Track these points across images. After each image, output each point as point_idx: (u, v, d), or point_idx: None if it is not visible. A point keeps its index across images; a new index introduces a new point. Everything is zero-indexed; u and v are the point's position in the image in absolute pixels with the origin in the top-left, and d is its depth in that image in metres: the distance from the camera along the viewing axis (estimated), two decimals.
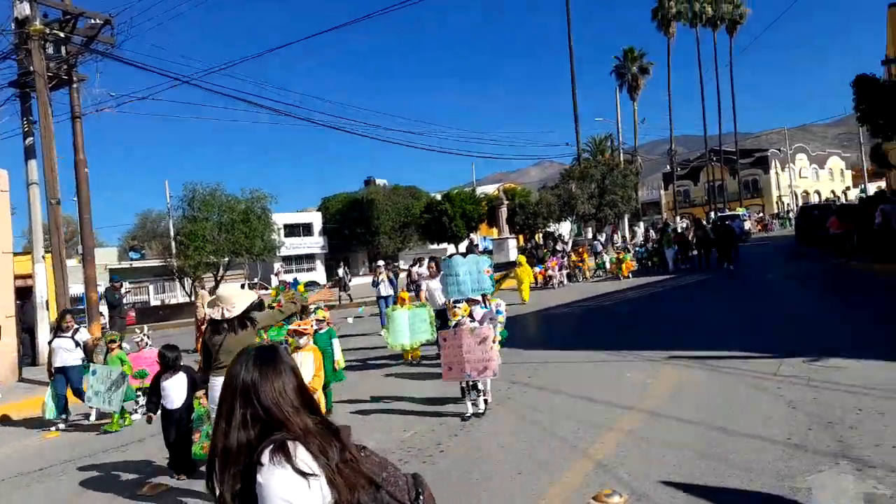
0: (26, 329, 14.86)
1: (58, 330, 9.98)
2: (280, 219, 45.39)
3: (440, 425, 7.58)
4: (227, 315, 5.42)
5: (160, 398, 6.80)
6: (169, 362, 6.92)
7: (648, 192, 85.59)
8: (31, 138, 14.29)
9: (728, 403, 7.18)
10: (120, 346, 9.59)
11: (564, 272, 24.98)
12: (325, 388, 8.14)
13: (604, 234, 33.56)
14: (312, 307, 8.76)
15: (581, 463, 5.89)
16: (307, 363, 6.81)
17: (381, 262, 16.89)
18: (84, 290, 14.88)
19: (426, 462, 6.35)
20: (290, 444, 1.82)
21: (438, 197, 46.93)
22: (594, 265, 27.69)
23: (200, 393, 6.62)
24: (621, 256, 25.50)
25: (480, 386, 7.78)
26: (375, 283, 15.84)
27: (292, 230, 52.71)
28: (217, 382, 5.46)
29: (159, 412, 6.82)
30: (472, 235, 41.26)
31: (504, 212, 36.64)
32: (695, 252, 26.51)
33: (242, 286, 11.12)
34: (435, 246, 49.63)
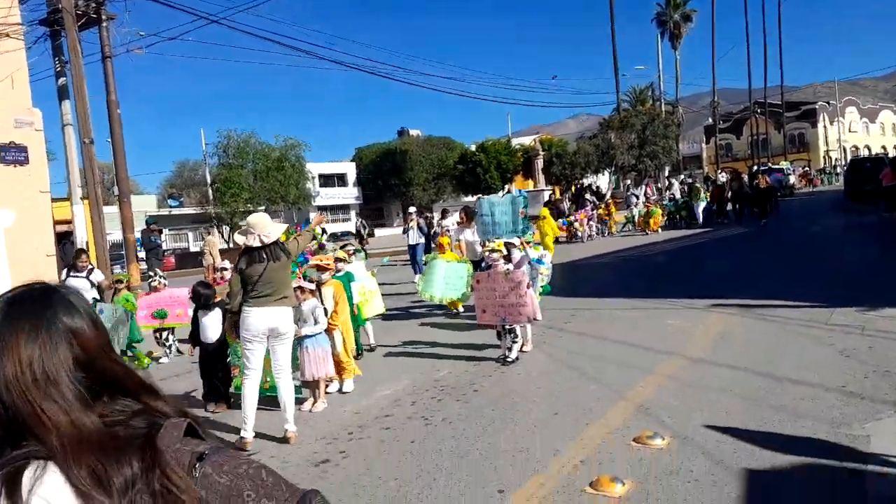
0: (66, 267, 15.12)
1: (72, 269, 9.87)
2: (315, 168, 45.43)
3: (474, 367, 7.43)
4: (264, 241, 5.33)
5: (199, 333, 6.86)
6: (202, 300, 6.94)
7: (690, 146, 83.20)
8: (64, 78, 14.24)
9: (776, 351, 6.87)
10: (128, 288, 9.52)
11: (593, 225, 24.06)
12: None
13: (641, 188, 32.44)
14: (329, 246, 8.65)
15: (620, 406, 5.68)
16: (327, 297, 6.80)
17: (411, 210, 16.52)
18: (122, 232, 15.00)
19: (459, 400, 6.21)
20: (27, 471, 0.97)
21: (473, 148, 46.26)
22: (624, 219, 26.65)
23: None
24: (650, 210, 24.46)
25: (518, 330, 7.54)
26: (405, 231, 15.59)
27: (327, 180, 52.73)
28: (254, 313, 5.34)
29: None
30: (507, 186, 40.65)
31: (540, 162, 35.94)
32: (730, 206, 25.59)
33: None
34: (469, 197, 49.17)
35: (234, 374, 6.56)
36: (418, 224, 15.52)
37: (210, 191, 38.99)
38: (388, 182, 50.44)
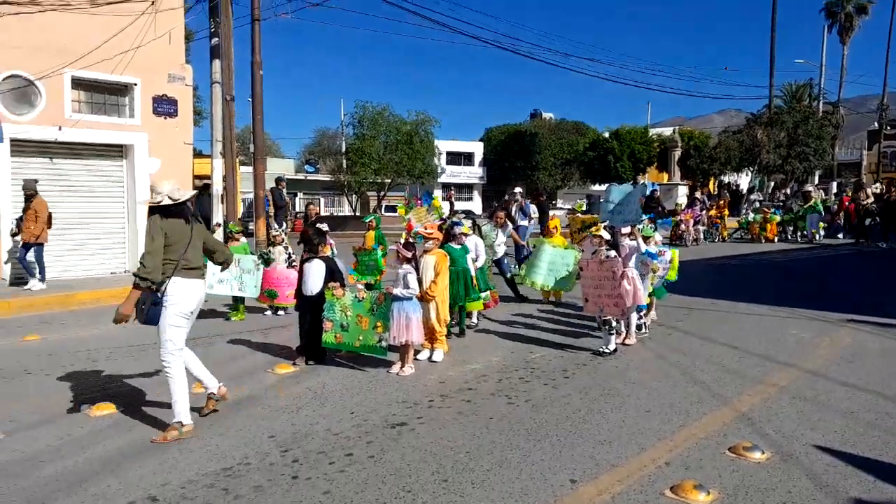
0: (204, 217, 16.25)
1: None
2: (442, 146, 45.84)
3: (569, 354, 7.16)
4: (175, 198, 4.74)
5: (301, 284, 6.86)
6: (309, 245, 6.91)
7: (849, 152, 76.01)
8: (217, 39, 15.15)
9: None
10: (240, 238, 9.69)
11: (700, 228, 21.16)
12: (461, 307, 7.92)
13: (787, 190, 29.59)
14: (455, 221, 8.53)
15: (720, 412, 5.24)
16: (428, 266, 6.71)
17: (517, 189, 15.84)
18: (253, 188, 15.86)
19: (547, 384, 5.99)
20: None
21: (606, 135, 44.78)
22: (737, 224, 23.55)
23: (335, 284, 6.63)
24: (768, 216, 21.58)
25: (614, 323, 7.15)
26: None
27: (454, 158, 53.12)
28: (191, 286, 4.81)
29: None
30: (638, 177, 39.08)
31: (677, 154, 34.17)
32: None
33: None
34: (597, 186, 47.86)
35: (325, 329, 6.60)
36: (521, 206, 14.83)
37: (343, 160, 40.44)
38: (514, 164, 49.97)
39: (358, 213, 37.76)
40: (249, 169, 19.27)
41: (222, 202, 16.10)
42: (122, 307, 4.59)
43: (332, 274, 6.79)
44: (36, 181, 11.47)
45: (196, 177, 15.63)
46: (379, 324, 6.38)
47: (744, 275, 14.30)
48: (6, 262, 11.90)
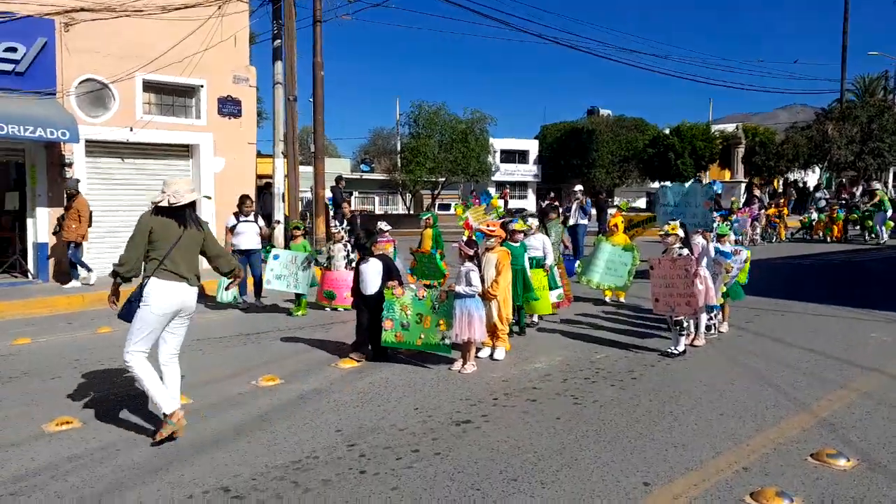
0: (265, 215, 16.59)
1: (239, 214, 10.05)
2: (497, 143, 45.68)
3: (635, 354, 6.99)
4: (172, 202, 4.64)
5: (359, 283, 6.87)
6: (362, 248, 6.92)
7: None
8: (279, 41, 15.45)
9: None
10: (303, 235, 9.72)
11: (758, 227, 19.50)
12: (518, 305, 7.74)
13: (860, 187, 27.84)
14: (512, 220, 8.43)
15: (799, 417, 5.01)
16: (490, 263, 6.64)
17: (577, 188, 15.31)
18: (313, 186, 16.12)
19: (615, 385, 5.85)
20: None
21: (667, 132, 43.75)
22: (799, 223, 22.03)
23: (394, 283, 6.60)
24: (834, 215, 20.28)
25: (685, 323, 6.93)
26: (567, 210, 14.66)
27: (508, 156, 52.84)
28: (166, 288, 4.57)
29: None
30: (699, 174, 38.06)
31: (741, 151, 33.03)
32: None
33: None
34: (656, 184, 46.81)
35: (384, 328, 6.54)
36: (583, 204, 14.44)
37: (398, 159, 40.75)
38: (570, 162, 49.35)
39: (412, 212, 37.98)
40: (307, 168, 19.62)
41: (283, 201, 16.41)
42: (109, 298, 4.74)
43: (390, 272, 6.78)
44: (78, 181, 11.51)
45: (258, 176, 15.95)
46: (441, 322, 6.35)
47: (813, 275, 13.72)
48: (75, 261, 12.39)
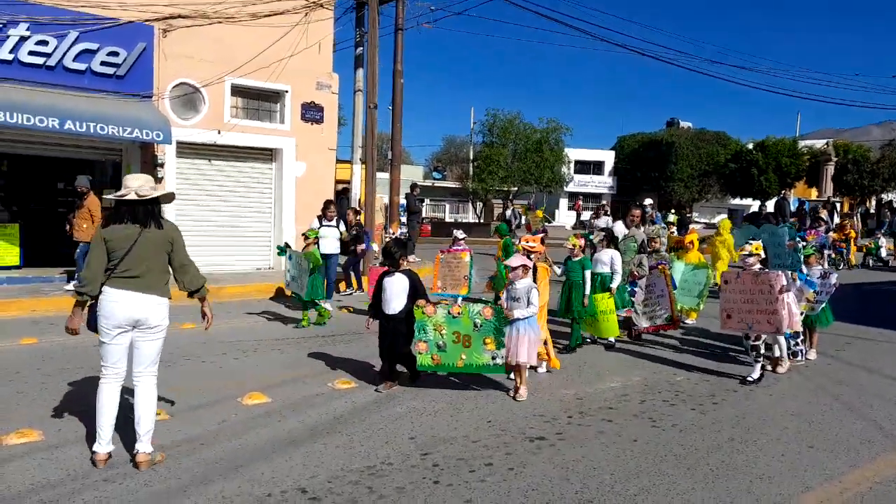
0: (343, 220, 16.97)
1: (322, 218, 10.41)
2: (573, 154, 45.08)
3: (716, 378, 6.72)
4: (141, 194, 4.18)
5: (380, 301, 6.10)
6: (390, 260, 6.14)
7: None
8: (361, 48, 15.77)
9: None
10: (315, 243, 9.15)
11: (825, 253, 16.44)
12: (576, 320, 7.67)
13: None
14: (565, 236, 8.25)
15: None
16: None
17: (647, 201, 14.56)
18: (388, 193, 16.33)
19: (695, 409, 5.64)
20: None
21: (750, 146, 42.14)
22: (864, 248, 19.84)
23: (423, 302, 5.95)
24: None
25: (763, 349, 6.57)
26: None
27: (583, 167, 52.06)
28: (116, 297, 4.14)
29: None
30: (783, 192, 36.46)
31: (831, 169, 31.53)
32: None
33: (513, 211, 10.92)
34: (738, 200, 45.14)
35: (418, 351, 5.94)
36: (652, 218, 13.73)
37: (471, 167, 40.83)
38: (647, 174, 48.20)
39: (482, 221, 37.92)
40: (383, 175, 19.93)
41: (360, 208, 16.70)
42: (68, 321, 4.22)
43: (416, 291, 6.02)
44: (90, 178, 11.13)
45: (337, 181, 16.30)
46: (489, 339, 5.80)
47: None
48: None
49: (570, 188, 46.60)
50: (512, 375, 6.01)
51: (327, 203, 10.43)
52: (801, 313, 7.11)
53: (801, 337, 7.38)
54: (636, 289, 8.24)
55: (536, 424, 5.17)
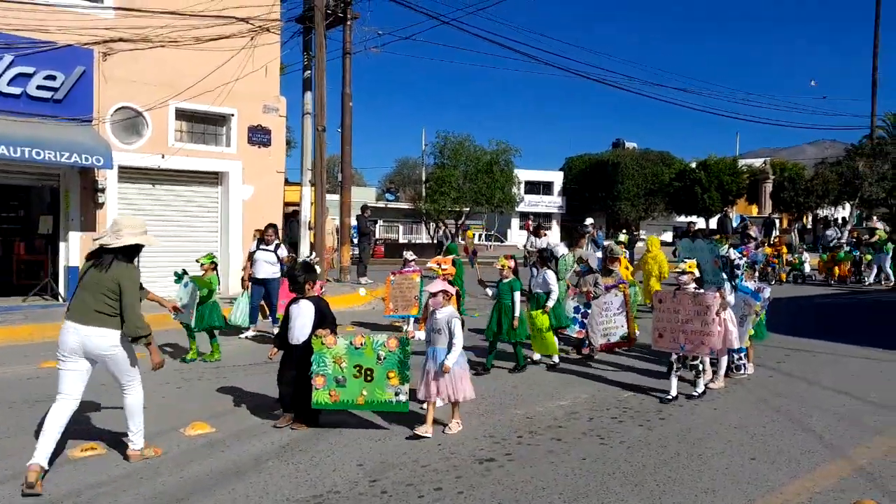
0: (291, 243, 16.72)
1: (260, 242, 9.87)
2: (522, 175, 45.72)
3: (662, 393, 6.80)
4: (106, 244, 4.62)
5: (286, 330, 5.67)
6: (295, 285, 5.72)
7: None
8: (309, 72, 15.74)
9: None
10: (213, 269, 8.57)
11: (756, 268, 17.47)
12: (513, 343, 7.58)
13: (836, 230, 25.38)
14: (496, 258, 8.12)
15: (835, 464, 4.84)
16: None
17: (588, 221, 14.51)
18: (339, 216, 16.24)
19: (642, 426, 5.72)
20: None
21: (693, 165, 43.52)
22: (789, 264, 19.89)
23: (324, 331, 5.42)
24: (836, 255, 19.10)
25: (701, 365, 6.63)
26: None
27: (533, 187, 52.89)
28: (65, 327, 4.54)
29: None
30: (725, 209, 37.69)
31: (769, 187, 32.81)
32: None
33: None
34: (682, 218, 46.40)
35: (315, 386, 5.38)
36: (594, 237, 13.91)
37: (423, 188, 40.98)
38: (595, 194, 49.27)
39: (435, 241, 37.99)
40: (334, 196, 19.79)
41: (310, 229, 16.53)
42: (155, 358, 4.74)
43: (323, 318, 5.56)
44: None
45: (286, 204, 16.13)
46: (392, 373, 5.29)
47: (853, 313, 13.41)
48: None
49: (521, 208, 47.14)
50: (425, 406, 5.51)
51: (267, 227, 10.04)
52: (751, 328, 7.29)
53: (745, 351, 7.55)
54: (588, 310, 8.32)
55: (486, 446, 5.16)
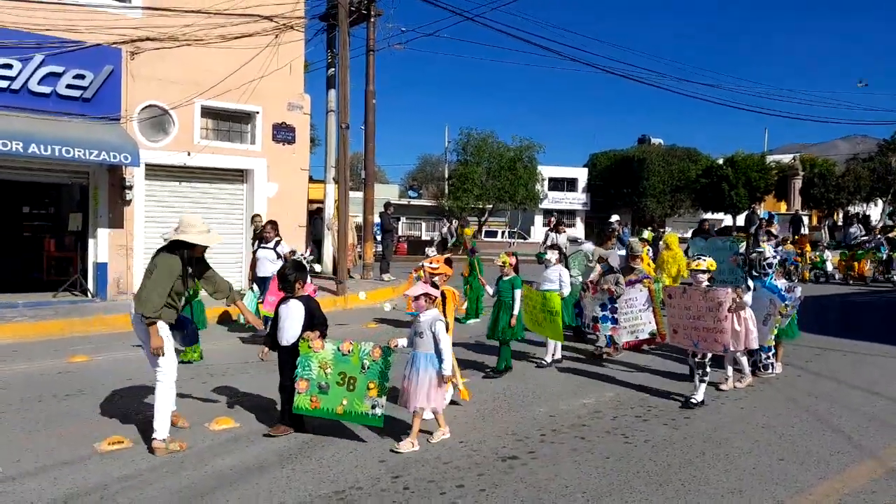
0: (316, 241, 16.83)
1: (261, 241, 9.70)
2: (546, 171, 45.53)
3: (688, 393, 6.73)
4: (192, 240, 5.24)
5: (276, 331, 5.40)
6: (285, 284, 5.43)
7: None
8: (333, 69, 15.81)
9: None
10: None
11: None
12: (506, 342, 7.35)
13: (856, 226, 24.12)
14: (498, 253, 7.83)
15: (866, 464, 4.74)
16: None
17: (613, 218, 14.13)
18: (362, 213, 16.29)
19: (667, 424, 5.65)
20: None
21: (720, 161, 42.92)
22: (809, 262, 19.01)
23: (312, 334, 5.19)
24: (856, 253, 18.38)
25: (708, 368, 6.27)
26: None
27: (556, 184, 52.59)
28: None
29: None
30: (754, 205, 37.13)
31: (798, 183, 32.24)
32: None
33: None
34: (709, 215, 45.79)
35: (298, 390, 5.15)
36: (619, 234, 13.57)
37: (446, 185, 41.01)
38: (619, 190, 48.82)
39: (439, 238, 38.01)
40: (357, 194, 19.86)
41: (328, 228, 16.61)
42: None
43: (312, 319, 5.31)
44: None
45: (310, 201, 16.23)
46: (372, 384, 5.01)
47: (866, 311, 13.12)
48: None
49: (545, 205, 46.94)
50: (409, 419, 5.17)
51: (265, 224, 9.87)
52: (777, 326, 7.10)
53: (773, 350, 7.40)
54: (615, 304, 8.21)
55: (509, 444, 5.13)
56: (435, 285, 5.59)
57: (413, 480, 4.37)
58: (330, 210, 16.56)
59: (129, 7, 12.50)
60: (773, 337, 7.13)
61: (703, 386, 6.28)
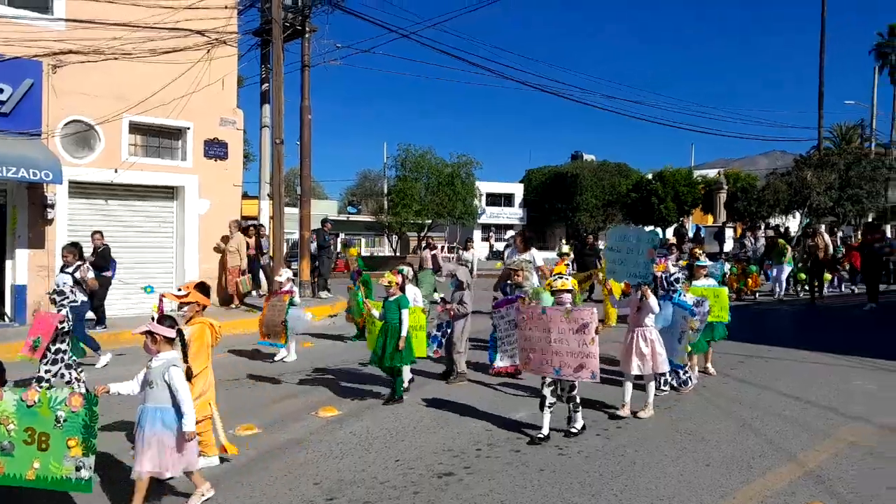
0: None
1: (64, 266, 8.55)
2: (483, 187, 46.06)
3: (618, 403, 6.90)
4: None
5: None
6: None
7: None
8: (267, 84, 15.64)
9: None
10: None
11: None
12: (396, 372, 6.89)
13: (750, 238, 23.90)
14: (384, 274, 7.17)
15: (786, 467, 4.95)
16: (191, 341, 4.60)
17: (509, 233, 14.71)
18: (298, 229, 16.10)
19: (600, 435, 5.77)
20: None
21: (649, 176, 44.36)
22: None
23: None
24: (747, 268, 17.56)
25: (577, 398, 5.73)
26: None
27: (494, 199, 53.31)
28: None
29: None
30: (682, 219, 38.46)
31: (723, 197, 33.59)
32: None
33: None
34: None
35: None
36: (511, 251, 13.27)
37: (385, 201, 40.90)
38: (554, 205, 49.88)
39: (398, 254, 38.05)
40: (293, 210, 19.63)
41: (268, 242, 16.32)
42: None
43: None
44: None
45: (243, 217, 15.90)
46: (73, 441, 3.98)
47: (802, 320, 13.79)
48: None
49: (483, 220, 47.41)
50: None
51: (64, 247, 8.93)
52: (690, 342, 7.12)
53: (688, 364, 7.37)
54: (449, 329, 7.83)
55: (445, 460, 5.14)
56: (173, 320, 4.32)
57: (347, 501, 4.32)
58: (265, 224, 16.27)
59: (50, 19, 12.05)
60: (685, 355, 7.15)
61: (579, 414, 5.79)
